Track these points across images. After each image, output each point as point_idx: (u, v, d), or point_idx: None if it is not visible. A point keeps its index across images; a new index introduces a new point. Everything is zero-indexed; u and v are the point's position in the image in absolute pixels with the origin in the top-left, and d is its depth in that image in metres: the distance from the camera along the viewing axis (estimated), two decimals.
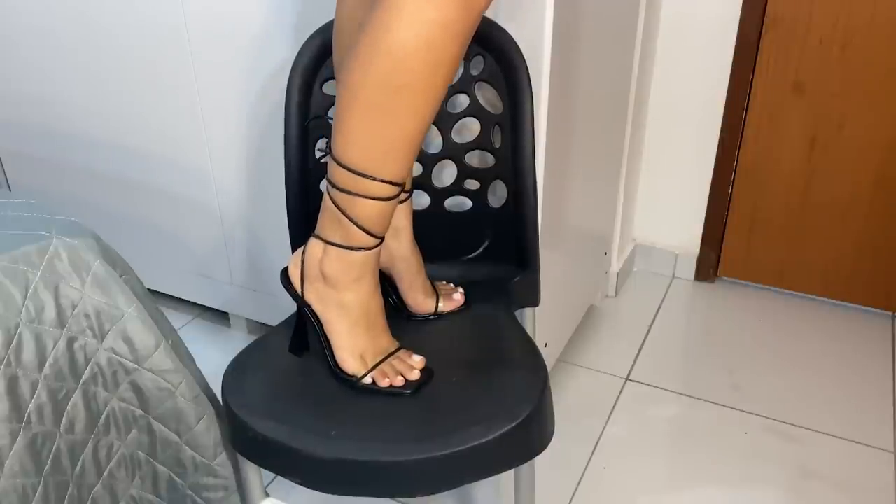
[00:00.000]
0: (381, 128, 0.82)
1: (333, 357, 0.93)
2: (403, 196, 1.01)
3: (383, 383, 0.92)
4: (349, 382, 0.92)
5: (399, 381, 0.92)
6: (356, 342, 0.92)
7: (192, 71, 1.45)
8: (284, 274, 0.94)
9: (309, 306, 0.92)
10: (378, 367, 0.93)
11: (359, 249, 0.89)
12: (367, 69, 0.80)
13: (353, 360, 0.92)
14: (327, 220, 0.89)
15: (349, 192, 0.85)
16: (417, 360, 0.94)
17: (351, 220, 0.87)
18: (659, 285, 1.97)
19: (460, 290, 1.09)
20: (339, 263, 0.89)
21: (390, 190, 0.86)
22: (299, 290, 0.93)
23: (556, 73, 1.19)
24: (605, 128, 1.57)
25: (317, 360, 0.99)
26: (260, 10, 1.32)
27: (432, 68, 0.80)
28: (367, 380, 0.92)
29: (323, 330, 0.93)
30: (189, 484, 1.06)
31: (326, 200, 0.88)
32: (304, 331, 0.98)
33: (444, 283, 1.11)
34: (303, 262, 0.92)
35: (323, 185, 1.12)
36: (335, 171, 0.85)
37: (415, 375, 0.93)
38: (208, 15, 1.38)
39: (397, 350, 0.95)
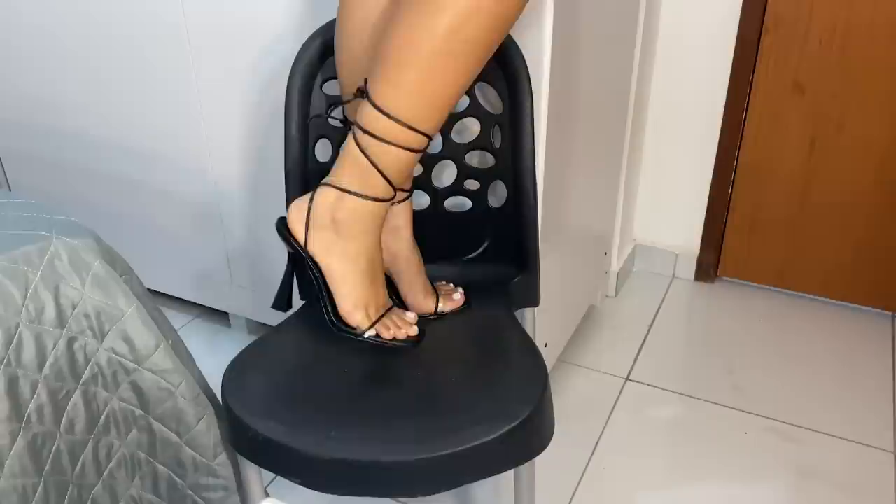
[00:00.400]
0: (438, 80, 0.83)
1: (335, 310, 0.91)
2: (403, 196, 1.01)
3: (387, 335, 0.92)
4: (351, 335, 0.91)
5: (402, 335, 0.93)
6: (361, 294, 0.92)
7: (192, 71, 1.46)
8: (283, 224, 0.92)
9: (311, 257, 0.91)
10: (381, 321, 0.93)
11: (376, 200, 0.88)
12: (435, 21, 0.81)
13: (358, 313, 0.92)
14: (348, 167, 0.88)
15: (386, 141, 0.85)
16: (412, 317, 0.96)
17: (378, 168, 0.86)
18: (659, 285, 1.97)
19: (460, 290, 1.09)
20: (353, 213, 0.89)
21: (423, 142, 0.87)
22: (302, 241, 0.91)
23: (556, 73, 1.19)
24: (606, 128, 1.57)
25: (317, 360, 0.99)
26: (260, 9, 1.32)
27: (500, 24, 0.82)
28: (371, 332, 0.92)
29: (325, 282, 0.91)
30: (189, 484, 1.06)
31: (351, 149, 0.87)
32: (291, 286, 0.96)
33: (444, 283, 1.11)
34: (309, 211, 0.91)
35: None
36: (375, 119, 0.85)
37: (414, 331, 0.94)
38: (208, 15, 1.38)
39: (392, 307, 0.96)
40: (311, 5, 1.27)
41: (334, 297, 0.92)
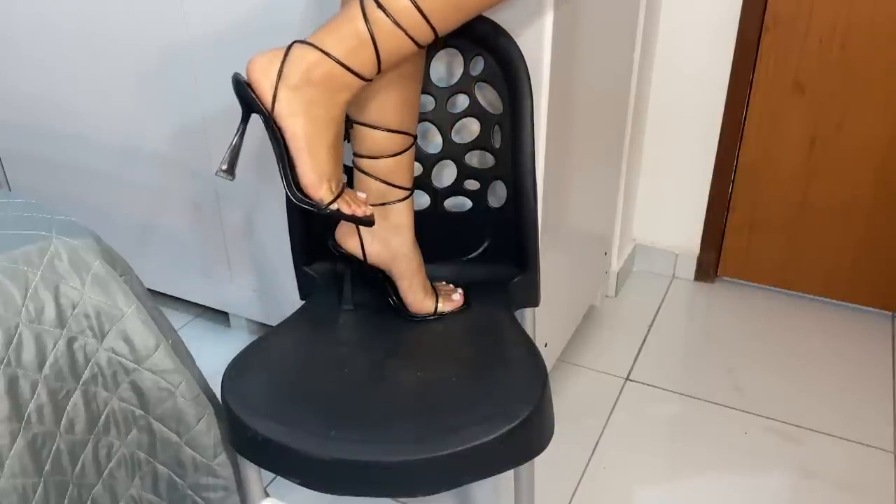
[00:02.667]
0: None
1: (296, 180, 0.85)
2: (404, 195, 1.01)
3: (348, 211, 0.88)
4: (313, 208, 0.86)
5: (360, 212, 0.89)
6: (327, 165, 0.86)
7: (191, 70, 1.45)
8: (242, 81, 0.85)
9: (276, 119, 0.84)
10: (341, 197, 0.89)
11: (358, 76, 0.84)
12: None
13: (323, 185, 0.86)
14: (341, 34, 0.83)
15: (398, 25, 0.82)
16: (363, 196, 0.94)
17: (376, 47, 0.83)
18: (659, 285, 1.97)
19: (460, 290, 1.09)
20: (332, 79, 0.83)
21: (430, 39, 0.84)
22: (268, 100, 0.84)
23: (556, 73, 1.19)
24: (605, 128, 1.57)
25: (317, 360, 0.99)
26: (260, 8, 1.32)
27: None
28: (334, 206, 0.87)
29: (287, 149, 0.85)
30: (189, 484, 1.06)
31: (353, 17, 0.82)
32: (240, 151, 0.89)
33: (444, 283, 1.11)
34: (281, 68, 0.84)
35: None
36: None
37: (369, 210, 0.91)
38: (208, 14, 1.38)
39: (345, 185, 0.92)
40: (312, 4, 1.27)
41: (297, 166, 0.85)
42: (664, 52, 1.77)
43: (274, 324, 1.66)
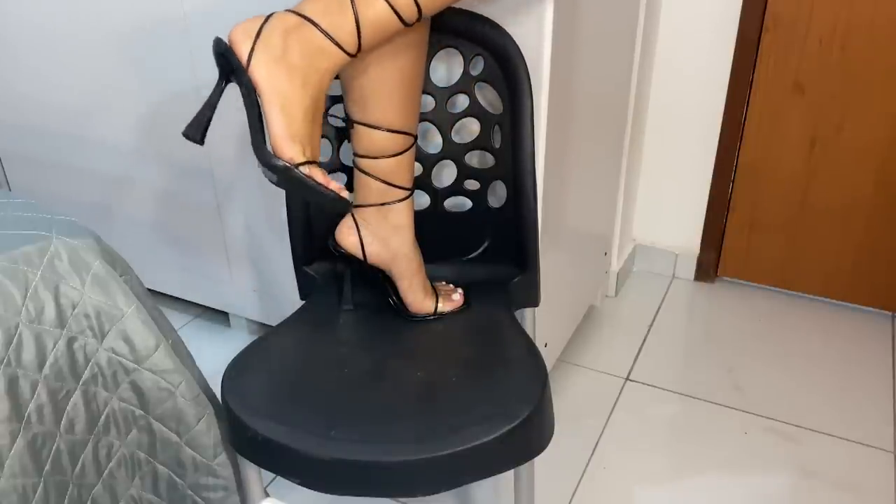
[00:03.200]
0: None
1: (264, 141, 0.83)
2: (405, 195, 1.01)
3: (321, 179, 0.83)
4: (280, 169, 0.81)
5: (334, 187, 0.84)
6: (301, 127, 0.83)
7: (191, 70, 1.45)
8: (221, 41, 0.84)
9: (250, 77, 0.82)
10: (314, 166, 0.84)
11: (338, 46, 0.83)
12: None
13: (294, 146, 0.82)
14: (322, 1, 0.82)
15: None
16: (340, 177, 0.91)
17: (356, 18, 0.82)
18: (659, 285, 1.97)
19: (460, 290, 1.09)
20: (310, 44, 0.82)
21: (413, 17, 0.83)
22: (245, 56, 0.82)
23: (556, 73, 1.19)
24: (605, 128, 1.57)
25: (317, 360, 0.99)
26: (260, 9, 1.32)
27: None
28: (305, 169, 0.82)
29: (261, 106, 0.82)
30: (189, 484, 1.06)
31: None
32: (213, 113, 0.87)
33: (444, 283, 1.11)
34: (259, 31, 0.83)
35: None
36: None
37: (344, 192, 0.85)
38: (208, 14, 1.38)
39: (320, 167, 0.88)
40: None
41: (269, 123, 0.82)
42: (664, 52, 1.77)
43: (274, 324, 1.66)
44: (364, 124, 0.97)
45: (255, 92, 0.82)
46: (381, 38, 0.85)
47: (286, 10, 0.84)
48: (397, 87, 0.95)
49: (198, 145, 1.53)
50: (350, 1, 0.82)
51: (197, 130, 0.86)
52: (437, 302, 1.07)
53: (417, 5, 0.83)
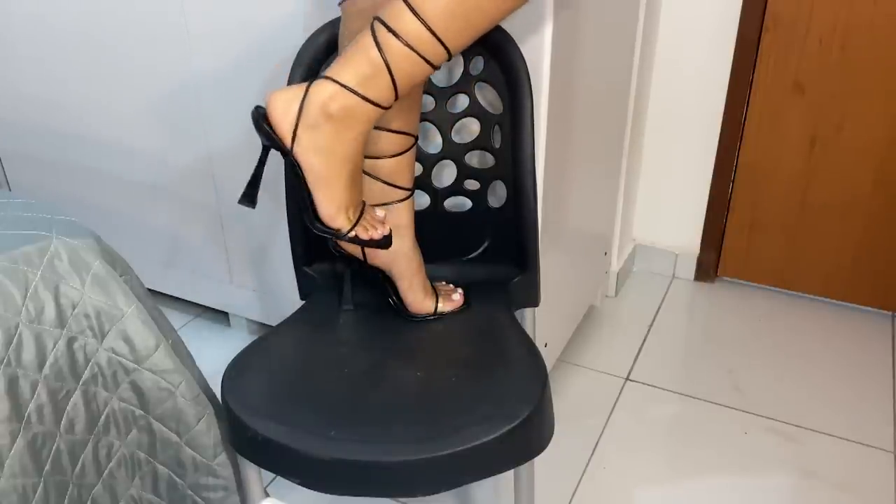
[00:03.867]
0: (475, 3, 0.81)
1: (315, 212, 0.89)
2: (405, 195, 1.01)
3: (366, 236, 0.92)
4: (332, 236, 0.90)
5: (378, 235, 0.93)
6: (344, 196, 0.89)
7: (192, 70, 1.46)
8: (262, 115, 0.87)
9: (296, 157, 0.86)
10: (359, 222, 0.92)
11: (375, 105, 0.85)
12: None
13: (341, 216, 0.90)
14: (356, 62, 0.84)
15: (410, 46, 0.82)
16: (381, 215, 0.96)
17: (390, 71, 0.83)
18: (659, 285, 1.97)
19: (460, 290, 1.09)
20: (348, 111, 0.85)
21: (443, 59, 0.84)
22: (288, 139, 0.86)
23: (556, 73, 1.19)
24: (605, 127, 1.57)
25: (317, 360, 0.99)
26: (260, 8, 1.32)
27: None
28: (352, 234, 0.91)
29: (306, 184, 0.88)
30: (189, 484, 1.06)
31: (366, 45, 0.83)
32: (260, 181, 0.92)
33: (444, 283, 1.11)
34: (301, 107, 0.85)
35: None
36: (405, 20, 0.82)
37: (387, 230, 0.94)
38: (209, 14, 1.38)
39: (364, 205, 0.94)
40: (312, 4, 1.27)
41: (315, 199, 0.88)
42: (664, 52, 1.77)
43: (274, 324, 1.66)
44: None
45: (300, 168, 0.87)
46: (414, 86, 0.87)
47: (324, 78, 0.85)
48: None
49: (199, 147, 1.54)
50: (383, 61, 0.83)
51: (252, 199, 0.93)
52: (437, 302, 1.07)
53: (447, 50, 0.84)
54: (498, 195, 1.11)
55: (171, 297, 1.84)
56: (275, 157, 1.48)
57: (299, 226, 1.12)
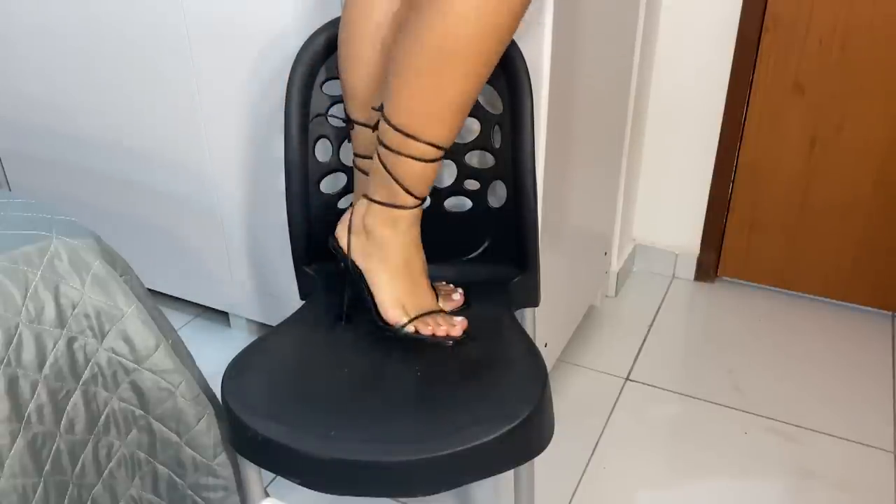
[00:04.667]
0: (428, 92, 0.87)
1: (377, 309, 0.97)
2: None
3: (426, 331, 0.96)
4: (390, 332, 0.96)
5: (442, 332, 0.96)
6: (396, 291, 0.96)
7: (191, 70, 1.46)
8: (332, 235, 1.02)
9: (353, 262, 0.98)
10: (420, 318, 0.96)
11: (400, 208, 0.93)
12: (420, 35, 0.84)
13: (394, 310, 0.96)
14: (374, 179, 0.94)
15: (395, 152, 0.90)
16: (459, 319, 0.98)
17: (395, 179, 0.91)
18: (659, 285, 1.97)
19: (460, 290, 1.09)
20: (381, 220, 0.95)
21: (434, 152, 0.90)
22: (345, 248, 0.98)
23: (556, 73, 1.19)
24: (605, 127, 1.57)
25: (317, 360, 0.99)
26: (260, 9, 1.32)
27: (481, 37, 0.84)
28: (410, 328, 0.96)
29: (367, 284, 0.97)
30: (189, 484, 1.06)
31: (375, 162, 0.93)
32: (344, 297, 1.03)
33: (444, 283, 1.11)
34: (350, 222, 0.98)
35: (325, 182, 1.12)
36: (385, 131, 0.90)
37: (457, 332, 0.97)
38: (208, 14, 1.38)
39: (440, 311, 0.99)
40: (312, 5, 1.27)
41: (374, 294, 0.97)
42: (664, 52, 1.77)
43: (274, 324, 1.66)
44: (363, 124, 0.97)
45: (360, 271, 0.98)
46: (428, 179, 0.93)
47: (362, 197, 0.98)
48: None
49: (199, 147, 1.54)
50: (387, 171, 0.92)
51: (346, 318, 1.03)
52: (437, 302, 1.06)
53: (436, 145, 0.90)
54: (498, 195, 1.11)
55: (171, 297, 1.84)
56: (271, 143, 1.48)
57: (299, 226, 1.12)
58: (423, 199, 0.95)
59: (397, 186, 0.92)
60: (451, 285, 1.10)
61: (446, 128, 0.89)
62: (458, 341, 0.98)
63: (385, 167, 0.92)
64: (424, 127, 0.88)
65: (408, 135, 0.89)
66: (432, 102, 0.87)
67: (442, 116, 0.88)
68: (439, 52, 0.84)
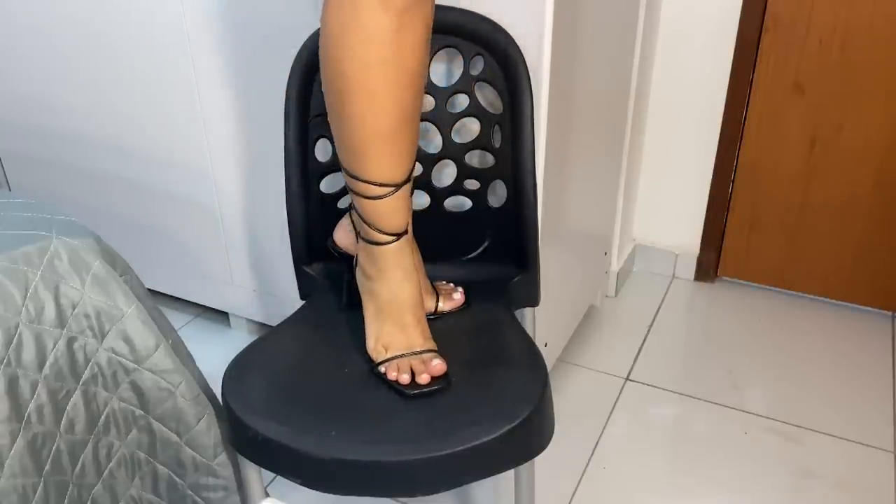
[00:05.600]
0: (340, 131, 0.87)
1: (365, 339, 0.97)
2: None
3: (390, 376, 0.93)
4: (371, 364, 0.95)
5: (404, 380, 0.91)
6: (378, 329, 0.95)
7: (191, 71, 1.46)
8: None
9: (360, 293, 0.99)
10: (393, 360, 0.93)
11: (376, 244, 0.92)
12: (323, 75, 0.85)
13: (375, 347, 0.95)
14: (354, 216, 0.96)
15: (350, 191, 0.91)
16: (435, 365, 0.92)
17: (361, 216, 0.91)
18: (659, 285, 1.97)
19: (460, 289, 1.09)
20: (364, 254, 0.95)
21: (376, 190, 0.88)
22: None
23: (556, 72, 1.19)
24: (605, 127, 1.57)
25: (317, 361, 0.99)
26: (259, 9, 1.32)
27: (362, 72, 0.81)
28: (381, 368, 0.94)
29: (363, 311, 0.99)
30: (189, 484, 1.06)
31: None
32: (352, 288, 1.03)
33: (444, 282, 1.11)
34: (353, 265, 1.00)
35: (325, 182, 1.12)
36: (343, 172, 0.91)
37: (423, 380, 0.91)
38: (208, 15, 1.38)
39: (426, 351, 0.94)
40: (312, 5, 1.27)
41: (365, 327, 0.98)
42: (664, 52, 1.77)
43: (274, 324, 1.66)
44: None
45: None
46: (390, 213, 0.91)
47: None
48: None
49: (200, 147, 1.54)
50: (355, 210, 0.93)
51: (351, 303, 1.04)
52: (437, 301, 1.07)
53: (379, 185, 0.89)
54: (498, 195, 1.11)
55: (171, 297, 1.84)
56: (271, 143, 1.48)
57: (299, 226, 1.12)
58: (399, 235, 0.92)
59: (364, 224, 0.92)
60: (452, 285, 1.10)
61: (373, 164, 0.86)
62: (423, 390, 0.91)
63: (353, 206, 0.93)
64: (355, 165, 0.87)
65: (350, 174, 0.89)
66: (347, 141, 0.86)
67: (363, 154, 0.86)
68: (332, 92, 0.85)
